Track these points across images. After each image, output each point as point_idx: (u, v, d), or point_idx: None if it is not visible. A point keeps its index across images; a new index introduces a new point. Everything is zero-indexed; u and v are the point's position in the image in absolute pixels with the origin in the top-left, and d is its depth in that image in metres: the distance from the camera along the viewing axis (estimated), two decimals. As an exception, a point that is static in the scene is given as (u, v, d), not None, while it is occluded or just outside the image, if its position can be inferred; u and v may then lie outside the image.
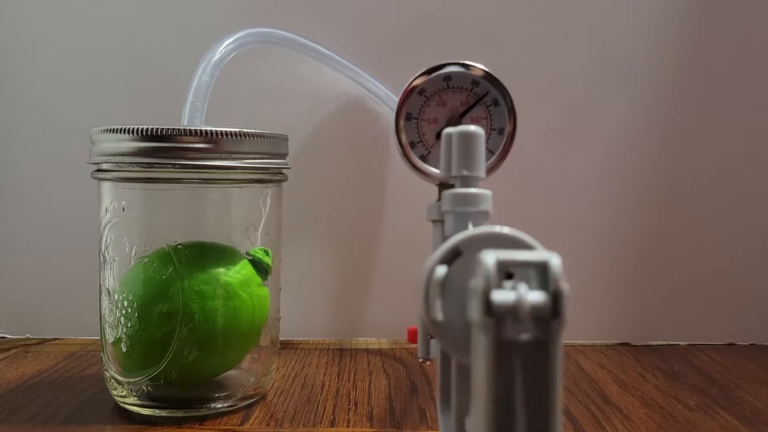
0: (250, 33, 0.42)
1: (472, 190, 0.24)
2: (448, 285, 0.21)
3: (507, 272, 0.19)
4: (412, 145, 0.31)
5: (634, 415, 0.36)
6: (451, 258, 0.21)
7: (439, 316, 0.21)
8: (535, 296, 0.18)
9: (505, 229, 0.21)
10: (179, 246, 0.35)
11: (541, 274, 0.18)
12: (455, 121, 0.31)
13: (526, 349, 0.18)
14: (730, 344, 0.51)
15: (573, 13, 0.49)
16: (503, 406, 0.18)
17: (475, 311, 0.18)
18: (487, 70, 0.31)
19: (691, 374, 0.44)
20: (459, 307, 0.20)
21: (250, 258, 0.37)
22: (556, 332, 0.18)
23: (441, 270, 0.21)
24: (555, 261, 0.18)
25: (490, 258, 0.18)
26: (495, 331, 0.17)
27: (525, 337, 0.18)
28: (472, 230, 0.22)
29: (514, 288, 0.18)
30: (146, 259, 0.35)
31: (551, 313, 0.18)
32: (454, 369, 0.24)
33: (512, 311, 0.17)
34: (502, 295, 0.17)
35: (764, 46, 0.50)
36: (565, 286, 0.18)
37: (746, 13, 0.49)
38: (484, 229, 0.22)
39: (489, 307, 0.17)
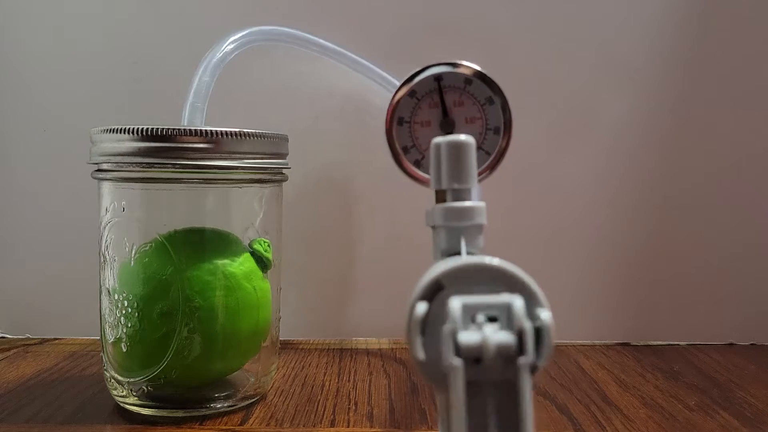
0: (251, 32, 0.42)
1: (465, 203, 0.23)
2: (431, 321, 0.20)
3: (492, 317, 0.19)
4: (405, 150, 0.30)
5: (634, 415, 0.36)
6: (433, 293, 0.20)
7: (420, 355, 0.19)
8: (501, 336, 0.18)
9: (495, 261, 0.20)
10: (179, 245, 0.35)
11: (508, 314, 0.19)
12: (446, 122, 0.31)
13: (497, 389, 0.18)
14: (730, 344, 0.51)
15: (573, 12, 0.49)
16: None
17: (445, 353, 0.18)
18: (477, 68, 0.30)
19: (691, 374, 0.44)
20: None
21: (251, 250, 0.37)
22: (523, 370, 0.18)
23: (421, 307, 0.20)
24: (517, 302, 0.18)
25: (455, 303, 0.19)
26: (464, 372, 0.18)
27: (495, 376, 0.18)
28: (452, 262, 0.20)
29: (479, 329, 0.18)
30: (146, 259, 0.35)
31: (517, 352, 0.18)
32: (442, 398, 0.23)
33: (479, 351, 0.18)
34: (468, 336, 0.18)
35: (764, 45, 0.50)
36: (546, 316, 0.18)
37: (746, 13, 0.49)
38: (466, 260, 0.20)
39: (457, 349, 0.18)
